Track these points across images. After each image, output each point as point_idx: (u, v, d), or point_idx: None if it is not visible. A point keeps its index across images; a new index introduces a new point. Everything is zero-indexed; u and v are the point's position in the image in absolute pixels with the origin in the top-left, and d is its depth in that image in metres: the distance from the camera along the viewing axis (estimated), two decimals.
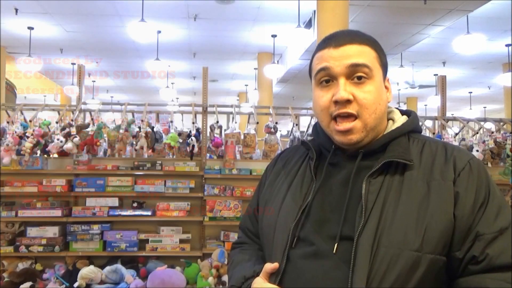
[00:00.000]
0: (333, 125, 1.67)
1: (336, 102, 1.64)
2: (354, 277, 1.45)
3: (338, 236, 1.55)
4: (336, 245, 1.54)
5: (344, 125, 1.64)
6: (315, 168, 1.76)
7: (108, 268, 5.24)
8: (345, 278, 1.47)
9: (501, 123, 7.18)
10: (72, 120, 5.92)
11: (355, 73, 1.63)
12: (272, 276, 1.67)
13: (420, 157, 1.64)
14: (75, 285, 5.01)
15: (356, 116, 1.63)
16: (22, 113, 6.45)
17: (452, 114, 11.79)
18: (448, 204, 1.52)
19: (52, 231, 5.60)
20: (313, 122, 6.70)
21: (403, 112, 1.83)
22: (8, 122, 6.05)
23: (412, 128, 1.74)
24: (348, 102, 1.62)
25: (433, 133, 7.10)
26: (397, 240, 1.47)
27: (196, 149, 5.94)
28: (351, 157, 1.69)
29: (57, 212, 5.60)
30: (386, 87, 1.74)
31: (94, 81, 21.26)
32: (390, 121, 1.77)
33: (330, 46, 1.68)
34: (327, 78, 1.67)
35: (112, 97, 25.18)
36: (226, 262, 5.42)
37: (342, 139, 1.66)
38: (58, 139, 5.59)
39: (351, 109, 1.63)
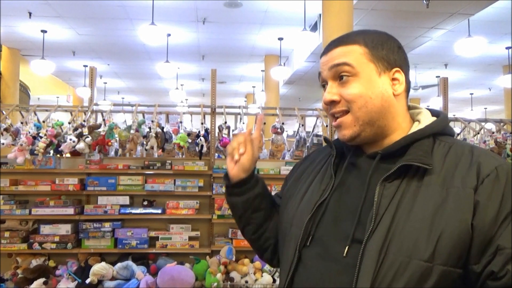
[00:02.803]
0: (333, 122, 1.66)
1: (325, 104, 1.65)
2: (358, 283, 1.40)
3: (350, 239, 1.49)
4: (347, 248, 1.48)
5: (337, 120, 1.63)
6: (336, 165, 1.72)
7: (119, 264, 5.24)
8: (351, 283, 1.42)
9: (502, 124, 7.16)
10: (84, 121, 5.91)
11: (339, 73, 1.61)
12: (283, 274, 1.67)
13: (444, 161, 1.52)
14: (87, 281, 5.01)
15: (348, 111, 1.60)
16: (35, 114, 6.46)
17: (454, 115, 11.79)
18: (465, 213, 1.39)
19: (64, 229, 5.60)
20: (318, 123, 6.69)
21: (434, 113, 1.71)
22: (22, 123, 6.06)
23: (438, 130, 1.61)
24: (335, 102, 1.61)
25: None
26: (406, 248, 1.38)
27: (204, 149, 5.93)
28: (371, 158, 1.62)
29: (70, 210, 5.60)
30: (395, 79, 1.64)
31: (106, 83, 21.29)
32: (416, 123, 1.67)
33: (323, 53, 1.69)
34: (323, 83, 1.68)
35: (123, 98, 25.22)
36: (234, 259, 5.42)
37: (339, 135, 1.65)
38: (70, 139, 5.59)
39: (340, 107, 1.61)
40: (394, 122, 1.64)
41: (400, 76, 1.65)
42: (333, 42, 1.68)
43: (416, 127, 1.64)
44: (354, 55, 1.61)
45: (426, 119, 1.66)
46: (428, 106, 20.17)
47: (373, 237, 1.43)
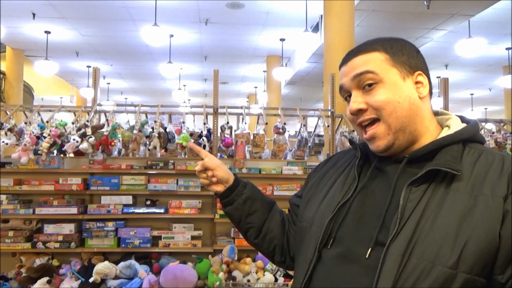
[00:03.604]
0: (363, 134, 1.64)
1: (352, 114, 1.63)
2: (379, 285, 1.38)
3: (373, 241, 1.47)
4: (369, 250, 1.46)
5: (369, 132, 1.60)
6: (360, 168, 1.71)
7: (122, 263, 5.23)
8: (371, 285, 1.40)
9: (502, 124, 7.15)
10: (87, 121, 5.91)
11: (362, 82, 1.59)
12: (300, 272, 1.66)
13: (473, 168, 1.48)
14: (91, 280, 5.00)
15: (379, 119, 1.57)
16: (39, 114, 6.45)
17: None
18: (493, 222, 1.35)
19: (68, 228, 5.59)
20: (320, 123, 6.69)
21: (464, 120, 1.68)
22: (26, 123, 6.06)
23: (467, 136, 1.58)
24: (362, 111, 1.59)
25: None
26: (430, 253, 1.35)
27: (207, 149, 5.92)
28: (397, 162, 1.59)
29: (73, 210, 5.59)
30: (419, 82, 1.62)
31: (109, 83, 21.31)
32: (446, 128, 1.64)
33: (342, 64, 1.68)
34: (346, 94, 1.67)
35: (126, 98, 25.25)
36: (236, 258, 5.41)
37: (372, 147, 1.62)
38: (74, 139, 5.59)
39: (368, 115, 1.59)
40: (422, 126, 1.62)
41: (423, 79, 1.64)
42: (351, 52, 1.67)
43: (446, 132, 1.61)
44: (376, 62, 1.60)
45: (456, 125, 1.64)
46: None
47: (397, 241, 1.40)
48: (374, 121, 1.59)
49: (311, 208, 1.77)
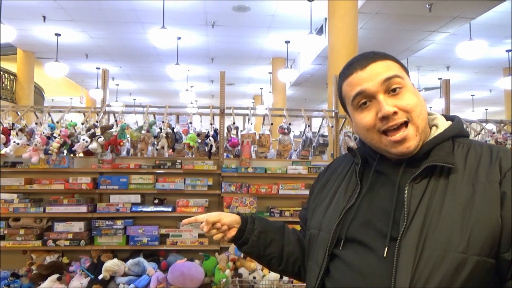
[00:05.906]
0: (385, 138, 1.62)
1: (382, 118, 1.59)
2: (397, 278, 1.42)
3: (388, 238, 1.51)
4: (386, 246, 1.50)
5: (400, 135, 1.58)
6: (361, 173, 1.74)
7: (131, 261, 5.23)
8: (390, 278, 1.45)
9: (502, 124, 7.14)
10: (96, 122, 5.90)
11: (390, 86, 1.60)
12: (313, 275, 1.71)
13: (465, 160, 1.57)
14: (100, 277, 4.99)
15: (408, 122, 1.59)
16: (49, 115, 6.44)
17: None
18: (494, 206, 1.43)
19: (78, 226, 5.59)
20: (324, 124, 6.68)
21: (447, 118, 1.75)
22: (36, 123, 6.06)
23: (455, 133, 1.66)
24: (394, 114, 1.58)
25: None
26: (442, 242, 1.42)
27: (214, 149, 5.91)
28: (396, 165, 1.65)
29: (83, 208, 5.59)
30: None
31: (118, 85, 21.31)
32: (434, 128, 1.70)
33: (356, 69, 1.65)
34: (365, 100, 1.63)
35: (134, 99, 25.28)
36: (242, 256, 5.40)
37: (400, 149, 1.60)
38: (83, 139, 5.58)
39: (400, 118, 1.58)
40: (428, 128, 1.69)
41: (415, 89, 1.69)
42: (365, 59, 1.66)
43: (436, 132, 1.68)
44: (396, 68, 1.65)
45: (443, 124, 1.70)
46: (431, 107, 20.23)
47: (408, 234, 1.46)
48: (401, 125, 1.60)
49: (318, 215, 1.80)
